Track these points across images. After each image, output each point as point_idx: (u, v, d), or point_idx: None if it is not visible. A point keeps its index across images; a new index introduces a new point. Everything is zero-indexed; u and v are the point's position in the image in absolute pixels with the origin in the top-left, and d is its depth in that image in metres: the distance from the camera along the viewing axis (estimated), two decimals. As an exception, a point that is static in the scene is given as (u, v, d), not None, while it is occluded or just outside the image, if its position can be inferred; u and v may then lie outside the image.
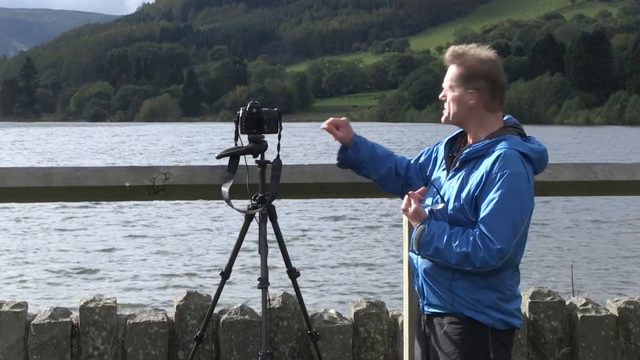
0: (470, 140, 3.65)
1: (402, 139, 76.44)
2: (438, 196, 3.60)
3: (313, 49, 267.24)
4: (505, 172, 3.42)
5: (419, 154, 3.93)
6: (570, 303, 4.91)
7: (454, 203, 3.51)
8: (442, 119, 3.69)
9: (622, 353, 4.82)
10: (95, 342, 4.52)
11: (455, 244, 3.42)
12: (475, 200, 3.46)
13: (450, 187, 3.56)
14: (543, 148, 3.61)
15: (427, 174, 3.81)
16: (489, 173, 3.44)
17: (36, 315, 4.60)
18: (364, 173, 3.98)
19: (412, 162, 3.92)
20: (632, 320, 4.83)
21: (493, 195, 3.41)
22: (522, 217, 3.44)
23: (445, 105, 3.65)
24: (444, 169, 3.70)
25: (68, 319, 4.56)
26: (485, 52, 3.64)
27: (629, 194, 5.08)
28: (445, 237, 3.44)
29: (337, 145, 4.07)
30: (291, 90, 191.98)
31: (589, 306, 4.86)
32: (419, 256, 3.60)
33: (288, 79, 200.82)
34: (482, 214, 3.42)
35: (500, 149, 3.48)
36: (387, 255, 17.09)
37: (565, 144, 64.64)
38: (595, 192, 5.05)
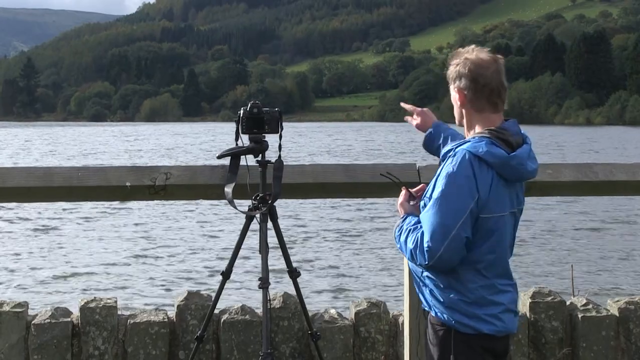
0: None
1: (404, 139, 76.45)
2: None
3: (314, 49, 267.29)
4: (447, 173, 3.47)
5: None
6: (571, 303, 4.91)
7: (422, 202, 3.60)
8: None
9: (623, 353, 4.82)
10: (95, 342, 4.52)
11: (408, 240, 3.52)
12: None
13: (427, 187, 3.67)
14: (509, 155, 3.52)
15: None
16: (438, 174, 3.53)
17: (37, 315, 4.60)
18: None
19: None
20: (632, 321, 4.83)
21: (430, 194, 3.52)
22: (455, 218, 3.43)
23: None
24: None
25: (69, 319, 4.56)
26: (477, 52, 3.66)
27: (630, 194, 5.08)
28: (407, 233, 3.53)
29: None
30: (292, 90, 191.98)
31: (590, 306, 4.86)
32: None
33: (288, 79, 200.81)
34: (422, 213, 3.52)
35: (457, 149, 3.52)
36: (387, 255, 17.09)
37: (566, 143, 64.63)
38: (596, 192, 5.05)
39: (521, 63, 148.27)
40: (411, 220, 3.58)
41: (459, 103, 3.65)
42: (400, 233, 3.57)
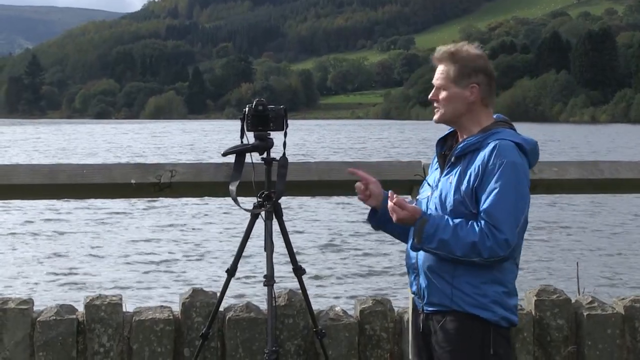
0: (461, 138, 3.67)
1: (407, 136, 76.43)
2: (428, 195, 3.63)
3: (318, 47, 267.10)
4: (503, 162, 3.44)
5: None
6: (576, 301, 4.90)
7: (454, 196, 3.50)
8: (435, 118, 3.68)
9: (629, 351, 4.81)
10: (101, 339, 4.52)
11: (462, 234, 3.41)
12: (475, 192, 3.47)
13: (447, 182, 3.56)
14: (535, 141, 3.64)
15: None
16: (486, 164, 3.45)
17: (42, 312, 4.60)
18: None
19: None
20: (638, 319, 4.82)
21: (494, 186, 3.42)
22: (523, 206, 3.46)
23: (437, 104, 3.65)
24: (436, 169, 3.71)
25: (74, 316, 4.56)
26: (475, 48, 3.68)
27: (635, 191, 5.08)
28: (451, 228, 3.42)
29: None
30: (296, 87, 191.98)
31: (595, 304, 4.85)
32: (419, 253, 3.58)
33: (293, 77, 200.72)
34: (485, 205, 3.42)
35: (494, 140, 3.50)
36: (392, 252, 17.08)
37: (572, 141, 64.53)
38: (602, 190, 5.05)
39: (526, 61, 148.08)
40: (441, 216, 3.46)
41: (470, 99, 3.60)
42: (437, 231, 3.42)
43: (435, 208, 3.57)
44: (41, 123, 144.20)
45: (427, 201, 3.66)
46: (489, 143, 3.50)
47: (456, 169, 3.55)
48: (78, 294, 13.00)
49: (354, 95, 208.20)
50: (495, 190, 3.41)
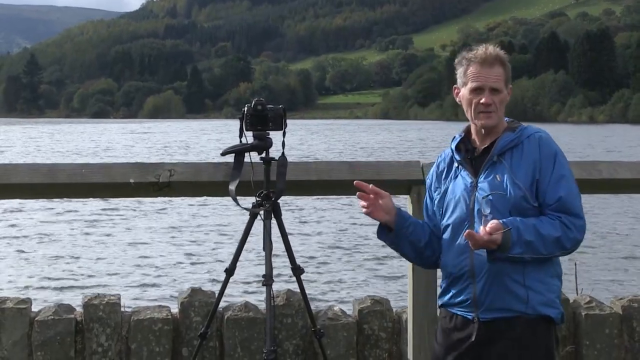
0: (479, 140, 3.64)
1: (407, 136, 76.40)
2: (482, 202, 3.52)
3: (317, 46, 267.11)
4: (556, 153, 3.53)
5: (426, 201, 3.84)
6: (575, 301, 4.90)
7: (514, 193, 3.47)
8: (490, 122, 3.58)
9: (626, 351, 4.81)
10: (99, 339, 4.52)
11: (544, 232, 3.41)
12: (536, 185, 3.49)
13: (495, 182, 3.51)
14: None
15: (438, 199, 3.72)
16: (541, 156, 3.50)
17: (40, 311, 4.60)
18: (412, 239, 3.72)
19: (430, 214, 3.80)
20: (636, 319, 4.83)
21: (558, 175, 3.48)
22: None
23: (490, 107, 3.56)
24: (457, 176, 3.64)
25: (72, 316, 4.56)
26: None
27: (633, 192, 5.08)
28: (531, 228, 3.40)
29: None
30: (295, 87, 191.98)
31: (593, 304, 4.85)
32: (475, 259, 3.48)
33: (292, 76, 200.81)
34: (560, 194, 3.46)
35: (531, 133, 3.57)
36: (391, 252, 17.06)
37: (569, 141, 64.55)
38: (600, 190, 5.05)
39: (524, 61, 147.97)
40: (514, 220, 3.40)
41: (507, 101, 3.65)
42: (521, 235, 3.35)
43: (491, 211, 3.47)
44: (39, 122, 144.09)
45: (465, 204, 3.57)
46: (526, 137, 3.55)
47: (499, 168, 3.53)
48: (76, 294, 13.00)
49: (353, 95, 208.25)
50: (563, 179, 3.49)
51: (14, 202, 23.44)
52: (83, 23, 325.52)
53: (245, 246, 4.16)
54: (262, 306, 4.44)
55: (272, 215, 4.11)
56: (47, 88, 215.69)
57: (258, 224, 4.12)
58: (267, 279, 4.06)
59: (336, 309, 4.80)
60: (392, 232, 3.70)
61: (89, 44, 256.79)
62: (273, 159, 4.17)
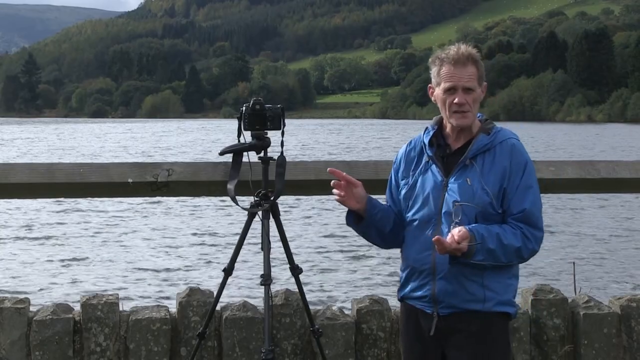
0: (452, 136, 3.64)
1: (405, 136, 76.38)
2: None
3: (315, 46, 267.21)
4: (526, 162, 3.54)
5: (390, 182, 3.84)
6: (573, 300, 4.90)
7: (482, 199, 3.50)
8: (466, 122, 3.59)
9: (625, 350, 4.81)
10: (97, 339, 4.51)
11: (506, 242, 3.45)
12: (503, 192, 3.51)
13: (464, 186, 3.53)
14: None
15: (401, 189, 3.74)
16: (511, 164, 3.52)
17: (38, 311, 4.59)
18: (378, 226, 3.76)
19: (395, 199, 3.81)
20: (634, 318, 4.82)
21: (525, 186, 3.50)
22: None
23: (465, 107, 3.58)
24: (427, 170, 3.65)
25: (70, 315, 4.55)
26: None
27: (632, 191, 5.07)
28: (494, 236, 3.44)
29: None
30: (293, 87, 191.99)
31: (592, 304, 4.85)
32: (436, 257, 3.53)
33: (290, 76, 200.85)
34: (523, 205, 3.48)
35: (504, 139, 3.57)
36: (390, 252, 17.07)
37: (568, 141, 64.56)
38: (599, 190, 5.05)
39: (523, 60, 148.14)
40: (479, 227, 3.43)
41: (481, 99, 3.67)
42: (485, 243, 3.40)
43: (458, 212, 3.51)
44: (36, 122, 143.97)
45: (434, 202, 3.59)
46: (500, 142, 3.56)
47: (471, 171, 3.54)
48: (74, 293, 12.99)
49: (351, 95, 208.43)
50: (530, 190, 3.51)
51: (12, 201, 23.42)
52: (81, 22, 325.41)
53: (244, 246, 4.16)
54: (261, 306, 4.43)
55: (271, 215, 4.11)
56: (45, 88, 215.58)
57: (256, 224, 4.12)
58: (266, 279, 4.06)
59: (335, 308, 4.79)
60: (362, 220, 3.75)
61: (87, 44, 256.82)
62: (271, 158, 4.16)
